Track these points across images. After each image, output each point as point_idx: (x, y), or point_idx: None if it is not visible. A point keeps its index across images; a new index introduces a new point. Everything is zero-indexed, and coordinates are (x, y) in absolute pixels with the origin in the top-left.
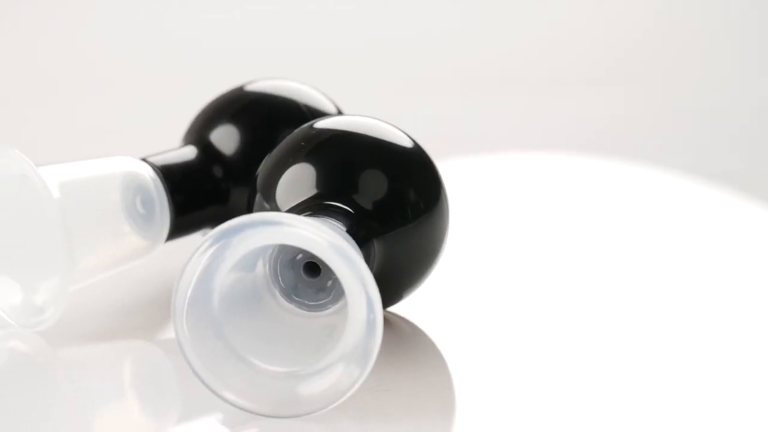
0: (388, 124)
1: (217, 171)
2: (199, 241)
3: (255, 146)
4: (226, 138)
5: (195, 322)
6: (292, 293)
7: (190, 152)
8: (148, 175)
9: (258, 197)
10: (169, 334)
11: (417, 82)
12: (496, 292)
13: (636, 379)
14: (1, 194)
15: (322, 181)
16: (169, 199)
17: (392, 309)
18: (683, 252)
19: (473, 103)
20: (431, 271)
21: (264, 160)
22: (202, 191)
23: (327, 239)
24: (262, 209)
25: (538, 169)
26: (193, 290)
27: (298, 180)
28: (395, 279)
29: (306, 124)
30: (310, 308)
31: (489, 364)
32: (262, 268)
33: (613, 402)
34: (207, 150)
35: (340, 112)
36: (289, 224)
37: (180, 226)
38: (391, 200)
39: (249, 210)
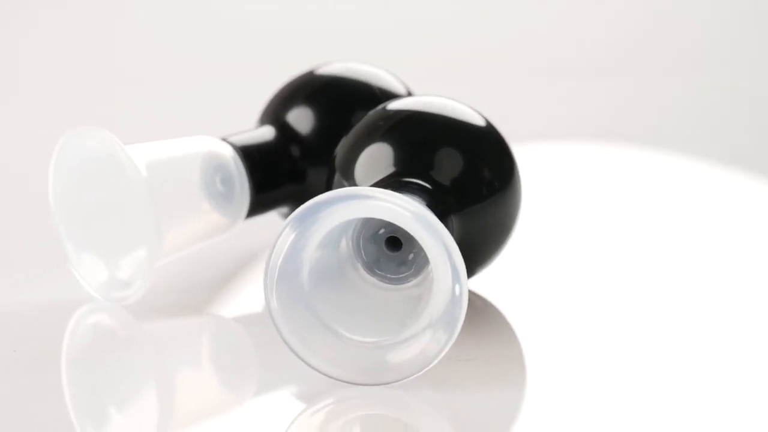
0: (462, 103)
1: (295, 151)
2: (290, 216)
3: (331, 127)
4: (302, 119)
5: (285, 293)
6: (374, 267)
7: (268, 132)
8: (229, 154)
9: (337, 176)
10: (248, 309)
11: (438, 67)
12: (562, 268)
13: (693, 351)
14: (89, 174)
15: (400, 159)
16: (248, 178)
17: None
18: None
19: (505, 91)
20: (503, 248)
21: (342, 141)
22: (280, 170)
23: (413, 211)
24: (341, 187)
25: (581, 156)
26: (283, 263)
27: (377, 158)
28: (468, 255)
29: (382, 105)
30: (391, 281)
31: (557, 337)
32: (345, 243)
33: (678, 375)
34: (284, 130)
35: (409, 93)
36: (378, 197)
37: (258, 205)
38: (468, 177)
39: (328, 188)
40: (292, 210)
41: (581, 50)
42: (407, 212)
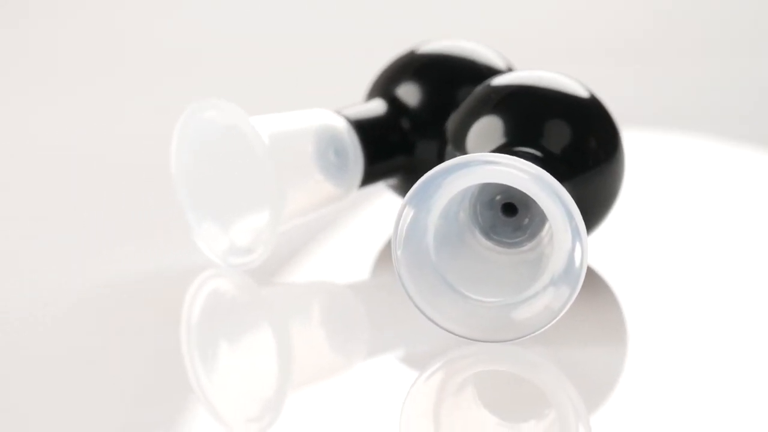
0: (567, 77)
1: (405, 123)
2: (416, 183)
3: (439, 101)
4: (412, 93)
5: (412, 257)
6: (490, 232)
7: (379, 106)
8: (343, 127)
9: (449, 147)
10: (360, 277)
11: None
12: (661, 238)
13: None
14: (210, 145)
15: (511, 129)
16: (362, 150)
17: None
18: None
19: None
20: (607, 215)
21: (452, 114)
22: (390, 142)
23: (533, 173)
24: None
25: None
26: (409, 227)
27: (489, 130)
28: None
29: (490, 80)
30: (507, 245)
31: (656, 302)
32: (463, 210)
33: None
34: (394, 104)
35: (510, 68)
36: (501, 162)
37: (370, 175)
38: (576, 146)
39: (440, 160)
40: (401, 181)
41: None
42: (527, 174)
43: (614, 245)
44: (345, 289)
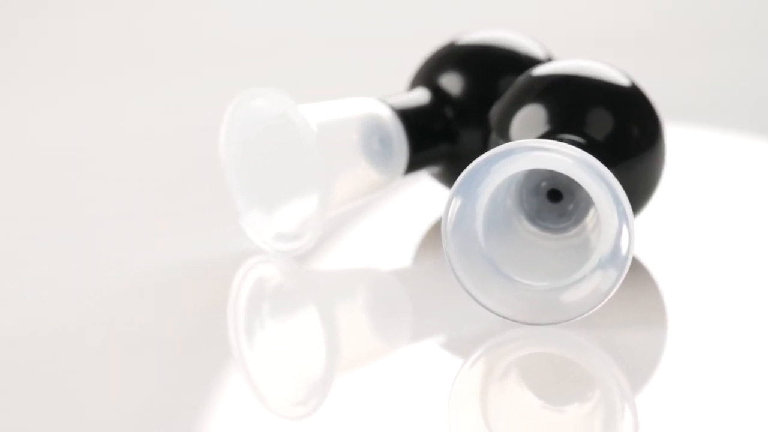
0: (608, 66)
1: (448, 112)
2: (465, 169)
3: (482, 90)
4: (455, 82)
5: (461, 242)
6: (536, 218)
7: (422, 95)
8: (387, 115)
9: (494, 136)
10: (402, 263)
11: None
12: (699, 224)
13: None
14: (258, 134)
15: (554, 117)
16: (406, 138)
17: None
18: None
19: None
20: (647, 203)
21: (496, 103)
22: (434, 131)
23: (578, 156)
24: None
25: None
26: (458, 212)
27: (532, 118)
28: None
29: (533, 69)
30: (552, 231)
31: (695, 286)
32: (510, 197)
33: None
34: (438, 93)
35: (549, 58)
36: (551, 149)
37: (414, 163)
38: (619, 134)
39: (484, 147)
40: (444, 169)
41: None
42: (573, 159)
43: (654, 232)
44: (388, 275)
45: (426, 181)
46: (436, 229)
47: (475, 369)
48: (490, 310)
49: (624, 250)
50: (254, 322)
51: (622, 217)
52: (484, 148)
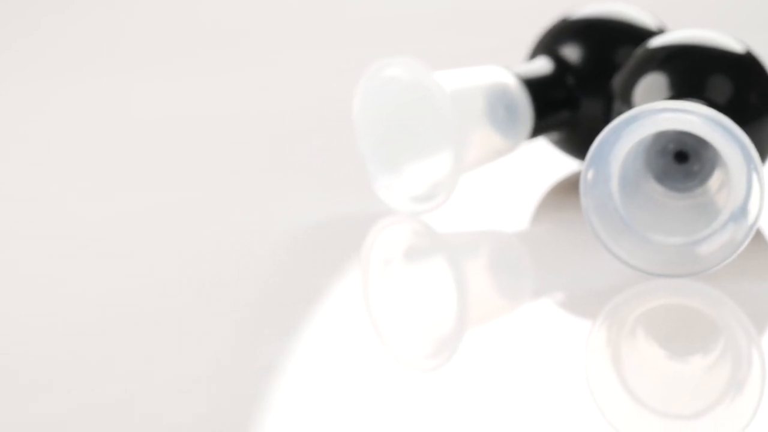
0: (726, 34)
1: (570, 80)
2: (599, 135)
3: (602, 59)
4: (577, 52)
5: (597, 201)
6: (663, 178)
7: (545, 63)
8: (513, 83)
9: (617, 103)
10: (524, 226)
11: None
12: None
13: None
14: (391, 100)
15: (675, 84)
16: (530, 105)
17: None
18: None
19: None
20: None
21: (618, 72)
22: (557, 98)
23: (707, 114)
24: (621, 113)
25: None
26: (595, 170)
27: (655, 85)
28: None
29: (653, 39)
30: (679, 190)
31: None
32: (638, 158)
33: None
34: (560, 62)
35: (661, 29)
36: (677, 109)
37: (536, 130)
38: (738, 98)
39: (607, 114)
40: (564, 135)
41: None
42: (702, 117)
43: None
44: (511, 237)
45: (540, 146)
46: (551, 193)
47: (605, 324)
48: (627, 264)
49: (756, 198)
50: (385, 279)
51: (751, 166)
52: (607, 116)
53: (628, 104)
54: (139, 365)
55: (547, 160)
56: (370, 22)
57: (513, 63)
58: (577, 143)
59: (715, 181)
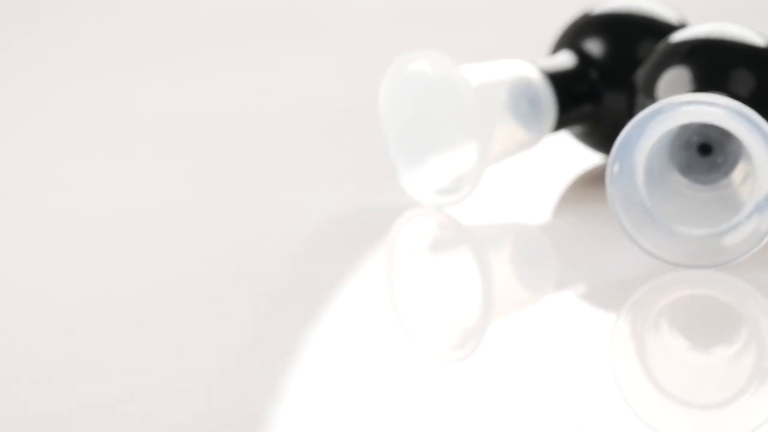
0: (746, 28)
1: (593, 74)
2: (625, 128)
3: (625, 53)
4: (600, 46)
5: (622, 193)
6: (687, 170)
7: (568, 57)
8: (536, 77)
9: (641, 97)
10: (546, 218)
11: None
12: None
13: None
14: (416, 93)
15: (698, 77)
16: (554, 98)
17: None
18: None
19: None
20: None
21: (641, 67)
22: (580, 92)
23: (731, 106)
24: (645, 107)
25: None
26: (620, 167)
27: (678, 79)
28: None
29: (675, 33)
30: (703, 182)
31: None
32: (662, 151)
33: None
34: (583, 56)
35: (682, 23)
36: (701, 102)
37: (560, 123)
38: (760, 91)
39: (630, 108)
40: (587, 128)
41: None
42: (726, 110)
43: None
44: (535, 229)
45: (562, 139)
46: (574, 186)
47: (629, 315)
48: (652, 255)
49: None
50: (410, 271)
51: None
52: (630, 109)
53: (651, 98)
54: (139, 365)
55: (570, 153)
56: (394, 17)
57: (536, 57)
58: (600, 137)
59: (739, 172)
